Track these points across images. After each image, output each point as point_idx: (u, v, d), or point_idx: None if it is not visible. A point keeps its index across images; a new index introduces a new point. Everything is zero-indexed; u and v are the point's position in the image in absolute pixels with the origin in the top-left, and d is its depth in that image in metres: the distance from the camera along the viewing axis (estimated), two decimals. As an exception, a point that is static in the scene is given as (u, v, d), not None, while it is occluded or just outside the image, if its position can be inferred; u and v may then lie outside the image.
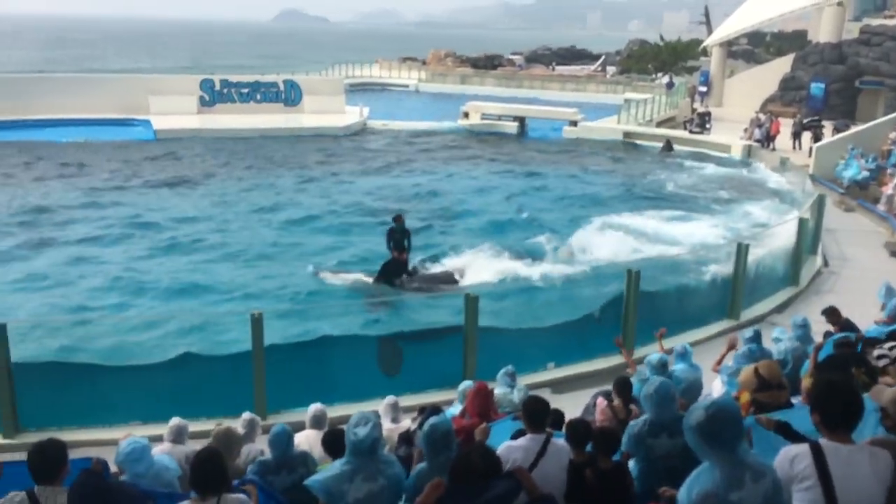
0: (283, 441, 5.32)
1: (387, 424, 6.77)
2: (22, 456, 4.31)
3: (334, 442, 5.61)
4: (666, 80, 44.65)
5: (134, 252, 16.05)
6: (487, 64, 61.60)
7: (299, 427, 6.64)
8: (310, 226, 18.72)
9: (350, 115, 34.27)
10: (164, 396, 9.04)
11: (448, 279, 14.39)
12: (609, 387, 6.61)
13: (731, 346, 7.67)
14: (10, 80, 33.70)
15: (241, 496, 4.21)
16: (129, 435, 5.56)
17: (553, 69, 60.67)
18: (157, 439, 6.31)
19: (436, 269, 15.08)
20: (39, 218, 18.35)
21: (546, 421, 4.81)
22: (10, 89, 30.12)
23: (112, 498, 3.73)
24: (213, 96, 33.13)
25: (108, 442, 7.62)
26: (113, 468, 5.16)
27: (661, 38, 66.77)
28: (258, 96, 33.98)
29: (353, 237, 17.77)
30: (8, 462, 4.74)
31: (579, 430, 4.87)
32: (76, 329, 11.80)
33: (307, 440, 6.42)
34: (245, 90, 33.87)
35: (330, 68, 54.12)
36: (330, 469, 4.58)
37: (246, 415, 6.87)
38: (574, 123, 32.87)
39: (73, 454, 4.40)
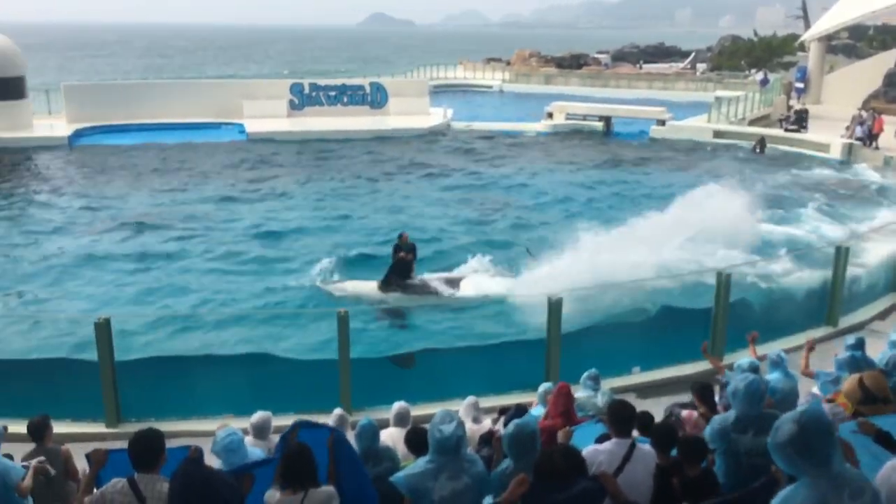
0: (369, 434, 5.41)
1: (468, 424, 6.78)
2: (123, 444, 4.53)
3: (417, 440, 5.64)
4: (760, 76, 43.01)
5: (221, 249, 16.64)
6: (573, 63, 60.85)
7: (383, 424, 6.73)
8: (398, 225, 18.93)
9: (434, 116, 34.54)
10: (255, 391, 9.35)
11: (454, 284, 14.01)
12: (685, 398, 6.40)
13: (811, 348, 7.39)
14: (120, 86, 35.56)
15: (329, 489, 4.28)
16: (226, 425, 5.78)
17: (640, 67, 59.40)
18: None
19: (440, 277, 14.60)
20: (147, 213, 19.41)
21: (632, 426, 4.73)
22: (120, 95, 31.78)
23: (212, 485, 3.86)
24: (302, 100, 34.05)
25: (202, 433, 7.95)
26: (207, 458, 5.36)
27: (755, 34, 64.39)
28: (345, 99, 34.69)
29: (438, 236, 17.92)
30: (112, 450, 5.00)
31: (666, 434, 4.78)
32: (175, 324, 12.31)
33: (390, 437, 6.49)
34: (332, 93, 34.65)
35: (415, 70, 54.70)
36: (414, 466, 4.63)
37: (337, 410, 7.01)
38: (662, 122, 32.09)
39: (170, 444, 4.60)
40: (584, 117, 33.75)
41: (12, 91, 28.21)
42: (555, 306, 9.70)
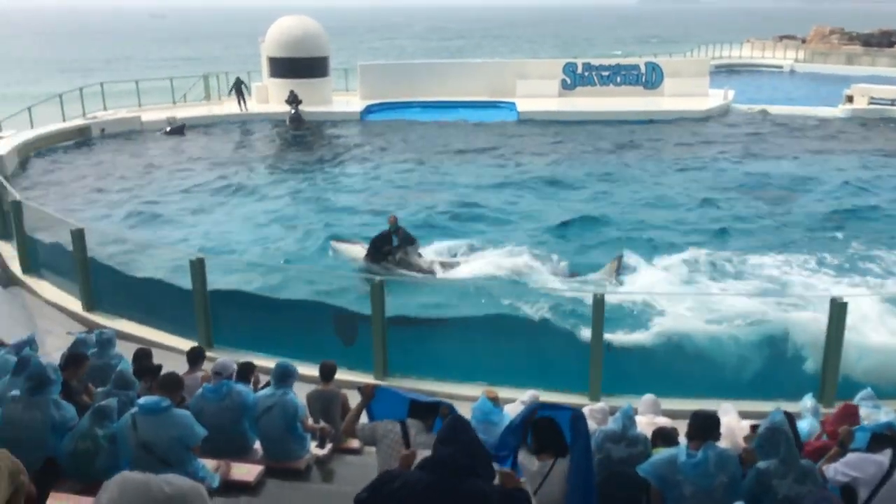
0: (628, 417, 5.45)
1: (647, 419, 6.59)
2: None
3: (664, 436, 5.74)
4: None
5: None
6: (882, 41, 53.63)
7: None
8: (657, 209, 18.32)
9: (713, 98, 32.61)
10: (513, 364, 9.71)
11: (429, 269, 14.14)
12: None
13: None
14: (406, 66, 38.26)
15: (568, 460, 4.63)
16: (490, 393, 6.14)
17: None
18: (504, 402, 6.79)
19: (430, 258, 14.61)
20: (420, 182, 20.90)
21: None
22: (405, 74, 34.21)
23: (475, 444, 4.04)
24: (574, 79, 33.99)
25: (460, 397, 8.42)
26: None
27: None
28: (618, 79, 33.99)
29: (704, 223, 17.02)
30: (380, 387, 5.69)
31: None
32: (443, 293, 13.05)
33: (639, 425, 6.40)
34: (606, 73, 34.11)
35: (695, 49, 51.96)
36: (663, 454, 4.62)
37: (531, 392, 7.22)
38: None
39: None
40: (893, 102, 29.71)
41: (317, 70, 31.65)
42: (838, 310, 8.73)
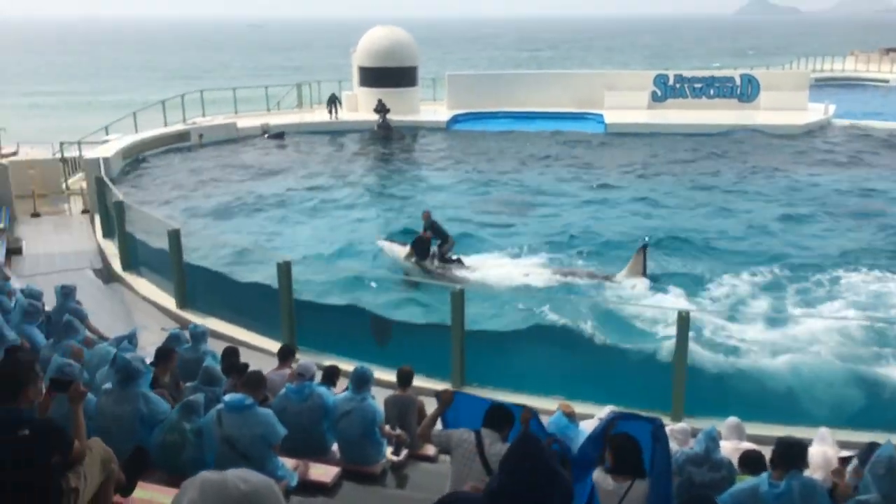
0: (711, 439, 5.33)
1: (731, 444, 6.36)
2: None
3: (752, 461, 5.52)
4: None
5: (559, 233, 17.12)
6: None
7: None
8: (749, 226, 17.68)
9: (812, 112, 31.26)
10: (591, 379, 9.55)
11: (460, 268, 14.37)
12: None
13: None
14: (492, 76, 38.34)
15: (648, 482, 4.46)
16: (566, 407, 6.06)
17: None
18: (581, 418, 6.69)
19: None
20: (501, 190, 20.85)
21: None
22: (492, 85, 34.29)
23: (547, 460, 4.00)
24: (665, 91, 33.28)
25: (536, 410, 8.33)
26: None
27: None
28: (711, 91, 33.06)
29: (799, 241, 16.33)
30: (458, 392, 5.67)
31: None
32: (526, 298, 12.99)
33: (722, 450, 6.18)
34: (698, 85, 33.24)
35: (795, 62, 50.05)
36: (745, 483, 4.46)
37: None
38: None
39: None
40: None
41: (407, 79, 32.12)
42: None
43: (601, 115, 31.25)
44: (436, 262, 14.54)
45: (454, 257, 14.76)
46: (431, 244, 14.64)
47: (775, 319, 11.79)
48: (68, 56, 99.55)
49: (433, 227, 14.75)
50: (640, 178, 22.74)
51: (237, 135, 28.60)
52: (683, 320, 8.82)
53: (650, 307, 12.51)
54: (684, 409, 8.93)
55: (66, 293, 8.70)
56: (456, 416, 5.35)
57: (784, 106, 31.38)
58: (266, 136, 28.51)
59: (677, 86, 33.26)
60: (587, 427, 6.32)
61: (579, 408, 7.16)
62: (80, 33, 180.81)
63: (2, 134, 21.88)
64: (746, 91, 32.66)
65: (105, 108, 41.45)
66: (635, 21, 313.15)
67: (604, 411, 6.93)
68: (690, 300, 12.94)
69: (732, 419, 6.90)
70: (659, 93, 33.29)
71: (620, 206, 19.76)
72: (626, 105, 32.22)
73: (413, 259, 14.71)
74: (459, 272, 14.34)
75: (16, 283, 11.04)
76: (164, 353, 6.74)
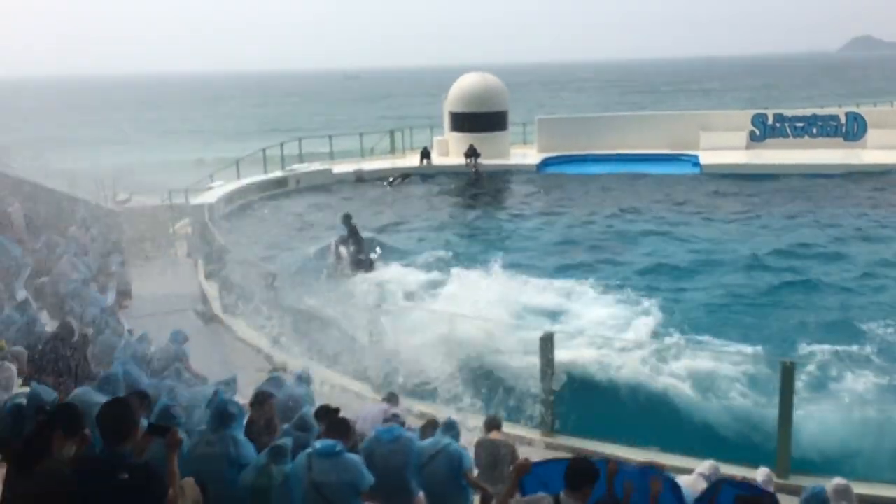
0: (821, 501, 5.12)
1: None
2: (552, 454, 4.88)
3: None
4: None
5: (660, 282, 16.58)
6: None
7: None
8: (862, 277, 16.66)
9: (925, 151, 29.55)
10: (683, 430, 9.14)
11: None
12: None
13: None
14: (584, 119, 38.15)
15: None
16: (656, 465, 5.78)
17: None
18: (677, 471, 6.38)
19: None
20: (597, 235, 20.64)
21: None
22: (583, 127, 34.10)
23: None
24: (764, 131, 32.24)
25: (630, 461, 8.01)
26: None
27: None
28: (814, 130, 31.80)
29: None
30: (537, 463, 5.41)
31: None
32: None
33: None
34: (800, 124, 32.05)
35: (904, 99, 47.66)
36: None
37: (763, 470, 6.52)
38: None
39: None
40: None
41: (496, 124, 32.40)
42: None
43: (696, 157, 30.51)
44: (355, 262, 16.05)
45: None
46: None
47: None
48: (160, 112, 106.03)
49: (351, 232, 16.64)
50: (741, 222, 21.92)
51: (332, 180, 29.48)
52: (788, 371, 8.36)
53: (748, 356, 11.94)
54: (790, 464, 8.42)
55: (177, 338, 9.15)
56: (532, 484, 5.13)
57: (894, 144, 29.79)
58: (392, 181, 29.34)
59: (777, 125, 32.18)
60: (684, 483, 6.02)
61: (675, 461, 6.86)
62: (159, 89, 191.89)
63: (116, 183, 23.35)
64: (852, 129, 31.24)
65: (212, 157, 43.69)
66: (734, 62, 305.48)
67: (703, 466, 6.58)
68: (792, 348, 12.29)
69: (839, 480, 6.44)
70: (758, 132, 32.28)
71: (723, 249, 19.03)
72: (723, 146, 31.36)
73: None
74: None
75: (125, 325, 11.65)
76: (260, 398, 6.86)
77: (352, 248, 16.26)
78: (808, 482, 8.20)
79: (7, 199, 17.20)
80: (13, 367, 6.99)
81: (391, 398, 8.70)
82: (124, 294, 15.57)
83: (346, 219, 17.15)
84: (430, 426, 7.27)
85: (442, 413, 8.34)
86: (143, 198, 23.30)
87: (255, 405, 6.77)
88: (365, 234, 17.76)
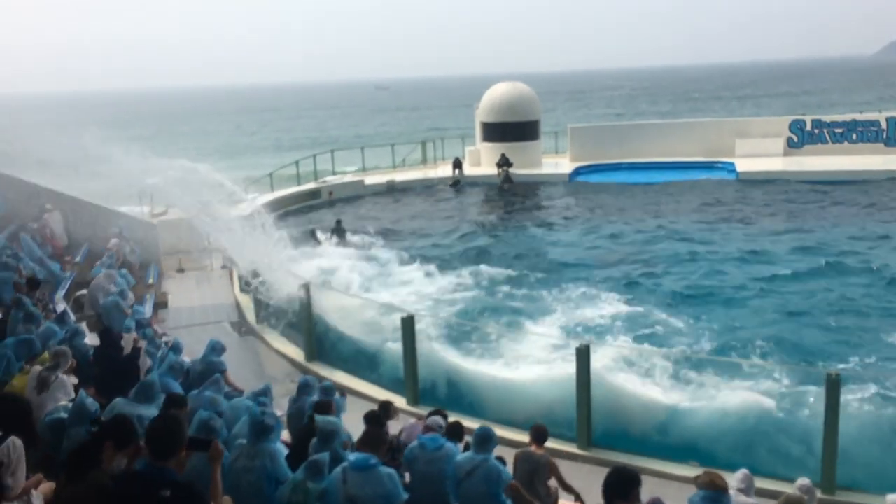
0: None
1: None
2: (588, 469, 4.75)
3: None
4: None
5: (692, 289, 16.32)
6: None
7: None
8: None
9: (971, 155, 28.79)
10: (726, 445, 8.93)
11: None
12: None
13: None
14: (616, 127, 37.94)
15: None
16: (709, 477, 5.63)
17: None
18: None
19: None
20: (627, 245, 20.31)
21: None
22: (615, 136, 33.83)
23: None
24: (802, 137, 31.67)
25: (666, 475, 7.85)
26: None
27: None
28: (853, 136, 31.15)
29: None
30: None
31: None
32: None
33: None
34: (839, 130, 31.42)
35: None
36: None
37: (803, 481, 6.34)
38: None
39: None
40: None
41: (528, 133, 32.27)
42: None
43: (732, 164, 30.06)
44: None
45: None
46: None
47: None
48: (193, 124, 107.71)
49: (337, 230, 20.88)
50: (780, 232, 21.41)
51: (364, 191, 29.60)
52: (833, 384, 8.13)
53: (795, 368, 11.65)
54: (836, 480, 8.18)
55: (215, 349, 9.20)
56: None
57: (938, 149, 29.08)
58: (451, 184, 30.22)
59: (816, 131, 31.59)
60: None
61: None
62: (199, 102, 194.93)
63: (153, 195, 23.64)
64: (894, 134, 30.56)
65: (248, 167, 44.25)
66: (767, 68, 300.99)
67: (735, 478, 6.38)
68: (831, 359, 11.98)
69: (892, 497, 6.22)
70: (796, 139, 31.72)
71: (763, 259, 18.61)
72: (760, 152, 30.88)
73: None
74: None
75: (161, 336, 11.76)
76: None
77: (333, 239, 20.62)
78: (855, 499, 8.00)
79: (47, 208, 17.54)
80: (68, 380, 7.01)
81: (438, 413, 8.47)
82: (160, 305, 15.76)
83: (338, 223, 21.62)
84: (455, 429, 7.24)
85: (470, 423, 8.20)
86: (179, 210, 23.58)
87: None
88: (365, 237, 21.06)
